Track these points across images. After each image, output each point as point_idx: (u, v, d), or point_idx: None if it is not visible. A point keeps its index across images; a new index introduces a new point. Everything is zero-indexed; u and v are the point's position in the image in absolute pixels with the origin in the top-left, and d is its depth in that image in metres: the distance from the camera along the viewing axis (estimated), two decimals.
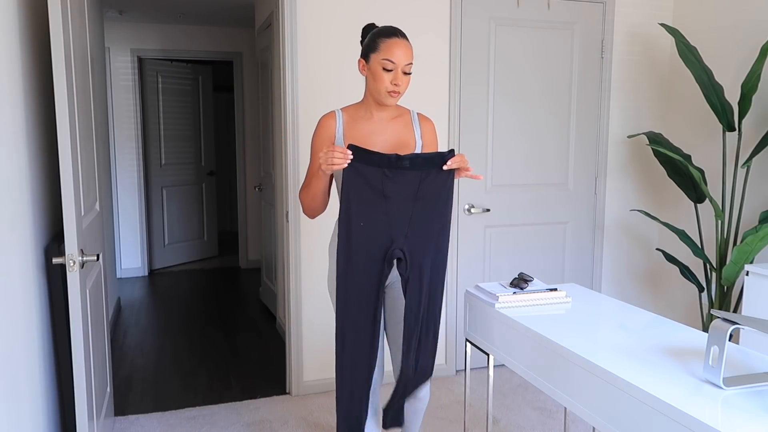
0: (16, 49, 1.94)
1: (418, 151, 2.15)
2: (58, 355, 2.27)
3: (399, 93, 2.07)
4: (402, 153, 2.04)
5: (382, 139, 2.13)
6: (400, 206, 1.99)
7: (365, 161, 1.93)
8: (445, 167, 1.98)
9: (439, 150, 2.17)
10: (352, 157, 1.91)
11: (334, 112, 2.18)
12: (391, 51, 2.03)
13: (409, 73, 2.07)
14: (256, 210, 6.51)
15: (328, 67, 3.29)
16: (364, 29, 2.17)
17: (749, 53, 3.36)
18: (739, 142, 3.21)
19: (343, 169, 1.93)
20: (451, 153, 1.98)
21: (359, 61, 2.12)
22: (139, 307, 5.18)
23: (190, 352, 4.11)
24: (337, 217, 2.05)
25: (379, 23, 3.31)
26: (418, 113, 2.25)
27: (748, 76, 3.01)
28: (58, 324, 2.23)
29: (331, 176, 2.12)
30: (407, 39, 2.07)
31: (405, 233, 2.01)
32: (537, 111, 3.69)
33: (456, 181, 2.37)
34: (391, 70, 2.04)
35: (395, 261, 2.03)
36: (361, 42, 2.15)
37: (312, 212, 2.17)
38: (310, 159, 2.18)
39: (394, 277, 2.14)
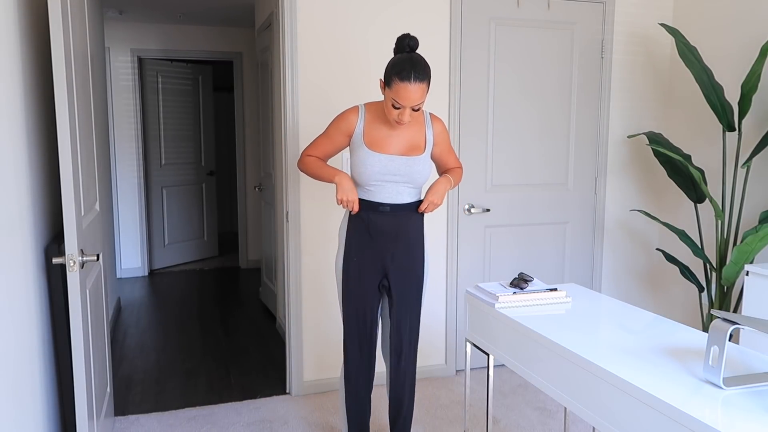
0: (16, 49, 1.94)
1: (428, 149, 2.41)
2: (58, 355, 2.27)
3: (404, 123, 2.27)
4: (412, 154, 2.36)
5: (396, 142, 2.35)
6: (383, 243, 2.38)
7: (362, 208, 2.38)
8: (420, 210, 2.39)
9: (450, 144, 2.55)
10: (357, 210, 2.35)
11: (358, 108, 2.37)
12: (401, 95, 2.18)
13: (418, 109, 2.24)
14: (256, 210, 6.51)
15: (328, 67, 3.29)
16: (398, 39, 2.27)
17: (749, 53, 3.36)
18: (739, 142, 3.20)
19: (349, 214, 2.41)
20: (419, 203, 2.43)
21: (380, 81, 2.28)
22: (139, 307, 5.18)
23: (190, 352, 4.11)
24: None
25: (380, 24, 3.34)
26: (430, 113, 2.45)
27: (748, 76, 3.01)
28: (58, 324, 2.23)
29: (339, 146, 2.43)
30: (422, 79, 2.17)
31: (389, 265, 2.41)
32: (537, 111, 3.69)
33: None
34: (399, 108, 2.21)
35: (382, 287, 2.46)
36: (394, 50, 2.28)
37: (307, 175, 2.56)
38: (323, 133, 2.43)
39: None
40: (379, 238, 2.37)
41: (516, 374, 3.63)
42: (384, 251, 2.39)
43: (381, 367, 3.23)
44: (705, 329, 3.34)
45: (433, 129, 2.42)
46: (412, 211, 2.40)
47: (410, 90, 2.16)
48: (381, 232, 2.37)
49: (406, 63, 2.17)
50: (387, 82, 2.21)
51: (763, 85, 3.25)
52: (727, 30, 3.49)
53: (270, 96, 4.46)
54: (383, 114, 2.34)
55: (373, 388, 3.27)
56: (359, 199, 2.37)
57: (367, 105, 2.38)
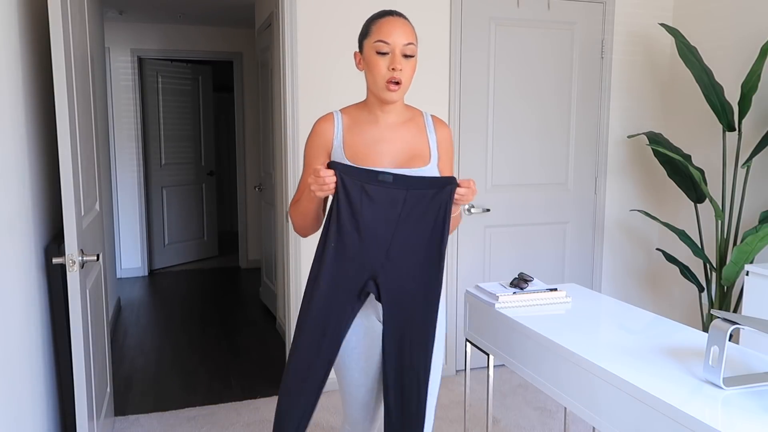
0: (16, 50, 1.94)
1: (433, 163, 1.78)
2: (58, 355, 2.27)
3: (400, 84, 1.70)
4: (414, 165, 1.74)
5: (389, 148, 1.76)
6: (377, 229, 1.65)
7: (350, 175, 1.64)
8: (462, 186, 1.65)
9: (452, 166, 1.90)
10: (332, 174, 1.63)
11: (332, 114, 1.81)
12: (384, 30, 1.71)
13: (411, 56, 1.72)
14: (256, 210, 6.51)
15: (328, 67, 3.29)
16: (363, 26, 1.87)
17: (749, 53, 3.36)
18: (739, 142, 3.20)
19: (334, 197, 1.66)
20: (452, 180, 1.66)
21: (355, 54, 1.80)
22: (139, 307, 5.18)
23: (190, 352, 4.11)
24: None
25: None
26: (432, 116, 1.87)
27: (748, 76, 3.01)
28: (58, 324, 2.23)
29: None
30: (405, 18, 1.77)
31: (381, 263, 1.66)
32: (537, 111, 3.69)
33: None
34: (386, 53, 1.70)
35: (369, 294, 1.69)
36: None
37: (303, 231, 1.82)
38: (303, 170, 1.82)
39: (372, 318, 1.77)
40: (372, 224, 1.65)
41: (516, 374, 3.63)
42: (377, 246, 1.66)
43: None
44: (705, 329, 3.34)
45: (436, 133, 1.82)
46: (430, 188, 1.66)
47: (394, 23, 1.72)
48: (375, 215, 1.65)
49: (380, 10, 1.81)
50: (364, 35, 1.78)
51: (763, 85, 3.25)
52: (727, 30, 3.49)
53: (270, 96, 4.47)
54: (366, 116, 1.79)
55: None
56: (349, 166, 1.66)
57: (343, 109, 1.83)
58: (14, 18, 1.93)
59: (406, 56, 1.71)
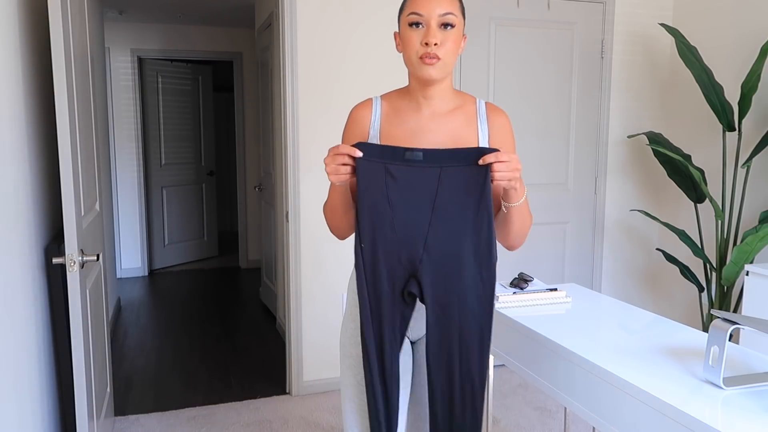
0: (16, 49, 1.94)
1: None
2: (58, 355, 2.27)
3: (438, 58, 1.48)
4: None
5: (430, 140, 1.55)
6: (409, 217, 1.44)
7: (370, 155, 1.43)
8: (480, 162, 1.40)
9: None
10: (360, 155, 1.41)
11: (370, 100, 1.64)
12: (418, 2, 1.50)
13: (452, 26, 1.49)
14: (256, 210, 6.51)
15: (328, 67, 3.29)
16: None
17: (749, 53, 3.36)
18: (739, 142, 3.20)
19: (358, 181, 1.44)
20: (489, 150, 1.41)
21: (395, 35, 1.59)
22: (139, 307, 5.18)
23: (190, 352, 4.11)
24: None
25: (379, 23, 3.33)
26: (487, 103, 1.63)
27: (748, 76, 3.01)
28: (58, 324, 2.23)
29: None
30: None
31: (420, 257, 1.44)
32: (537, 111, 3.69)
33: None
34: (419, 25, 1.48)
35: (415, 297, 1.47)
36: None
37: (336, 230, 1.64)
38: None
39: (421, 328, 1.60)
40: (403, 207, 1.44)
41: (516, 374, 3.63)
42: (412, 237, 1.44)
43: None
44: (705, 329, 3.34)
45: (488, 123, 1.58)
46: (466, 164, 1.42)
47: None
48: (405, 199, 1.44)
49: None
50: (400, 10, 1.56)
51: (763, 85, 3.25)
52: (727, 30, 3.49)
53: (270, 96, 4.46)
54: (407, 103, 1.60)
55: None
56: (370, 145, 1.45)
57: (384, 95, 1.65)
58: (14, 18, 1.93)
59: (445, 27, 1.49)
